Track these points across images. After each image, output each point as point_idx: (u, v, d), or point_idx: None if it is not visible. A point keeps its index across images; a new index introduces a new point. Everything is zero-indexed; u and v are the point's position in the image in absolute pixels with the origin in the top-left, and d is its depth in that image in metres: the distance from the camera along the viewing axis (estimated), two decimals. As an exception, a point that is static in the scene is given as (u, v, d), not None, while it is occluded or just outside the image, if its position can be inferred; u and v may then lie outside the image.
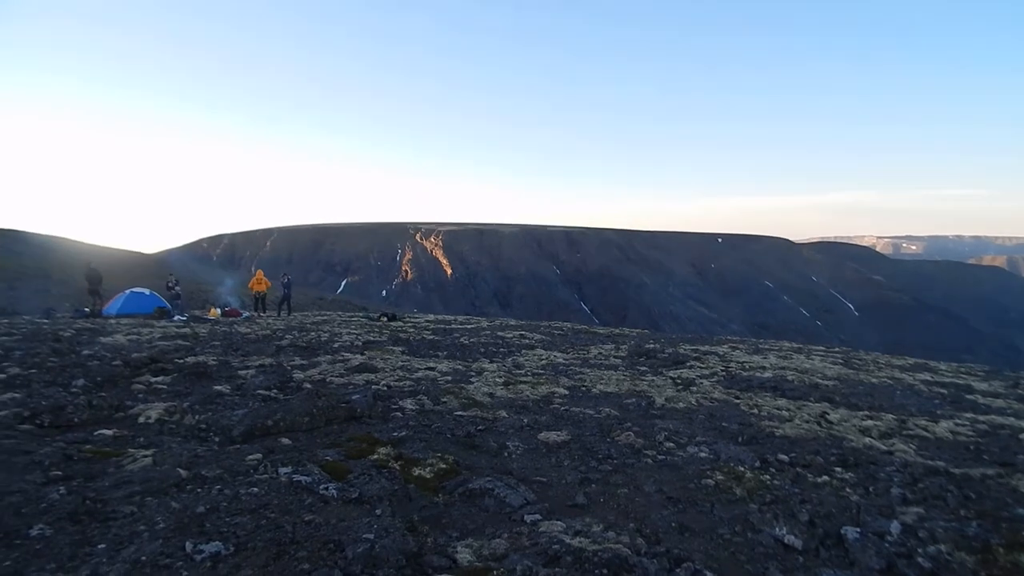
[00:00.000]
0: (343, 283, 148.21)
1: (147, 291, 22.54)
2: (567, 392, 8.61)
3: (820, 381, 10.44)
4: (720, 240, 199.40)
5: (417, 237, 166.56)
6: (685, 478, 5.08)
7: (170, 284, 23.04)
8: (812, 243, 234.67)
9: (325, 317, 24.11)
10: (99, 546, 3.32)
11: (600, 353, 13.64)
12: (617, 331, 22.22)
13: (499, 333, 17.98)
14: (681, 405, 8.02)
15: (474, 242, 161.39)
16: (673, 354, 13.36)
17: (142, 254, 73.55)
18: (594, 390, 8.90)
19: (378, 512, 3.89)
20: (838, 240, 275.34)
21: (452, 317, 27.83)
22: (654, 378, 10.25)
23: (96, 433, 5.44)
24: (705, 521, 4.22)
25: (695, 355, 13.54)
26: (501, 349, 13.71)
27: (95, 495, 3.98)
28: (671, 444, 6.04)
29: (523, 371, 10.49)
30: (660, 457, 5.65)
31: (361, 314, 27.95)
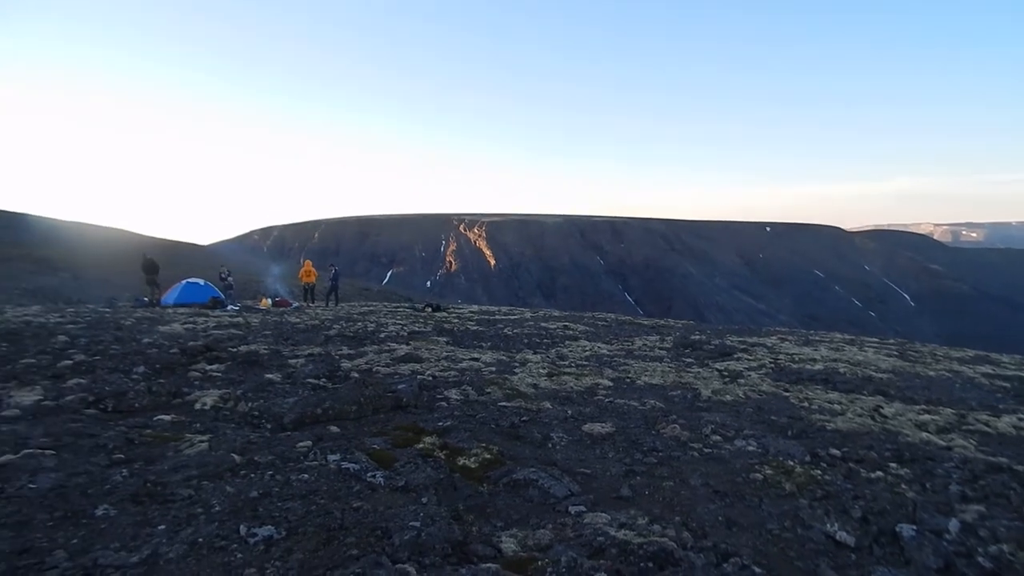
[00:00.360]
0: (388, 274, 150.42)
1: (202, 281, 23.29)
2: (611, 384, 8.56)
3: (874, 374, 10.13)
4: (768, 229, 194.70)
5: (461, 228, 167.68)
6: (732, 472, 5.00)
7: (223, 275, 23.75)
8: (865, 231, 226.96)
9: (371, 307, 24.50)
10: (159, 527, 3.46)
11: (645, 344, 13.52)
12: (662, 322, 21.98)
13: (543, 324, 17.99)
14: (728, 398, 7.89)
15: (517, 233, 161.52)
16: (720, 346, 13.15)
17: (196, 246, 76.04)
18: (639, 382, 8.83)
19: (424, 500, 3.94)
20: (893, 228, 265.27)
21: (496, 308, 27.94)
22: (700, 370, 10.11)
23: (155, 418, 5.67)
24: (753, 516, 4.15)
25: (742, 347, 13.29)
26: (545, 340, 13.71)
27: (155, 478, 4.14)
28: (718, 437, 5.96)
29: (567, 362, 10.47)
30: (706, 450, 5.58)
31: (406, 305, 28.31)
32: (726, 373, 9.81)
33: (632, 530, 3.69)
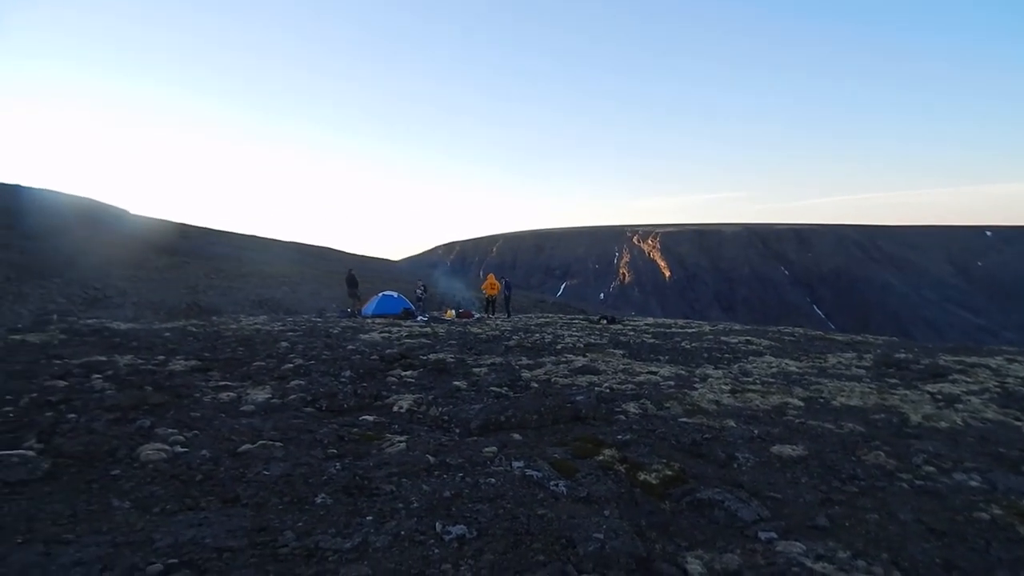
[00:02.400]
0: (562, 286, 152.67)
1: (395, 294, 25.33)
2: (802, 403, 7.97)
3: None
4: (989, 234, 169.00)
5: (634, 240, 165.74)
6: (951, 509, 4.43)
7: (419, 290, 25.72)
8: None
9: (547, 319, 25.04)
10: (367, 517, 3.84)
11: (840, 362, 12.40)
12: (858, 338, 19.97)
13: (723, 338, 17.21)
14: (943, 424, 7.00)
15: (693, 243, 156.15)
16: (930, 365, 11.68)
17: (389, 261, 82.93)
18: (834, 402, 8.13)
19: (606, 513, 3.97)
20: None
21: (671, 320, 27.21)
22: (907, 392, 9.07)
23: (361, 418, 6.29)
24: (978, 561, 3.65)
25: (959, 367, 11.69)
26: (726, 355, 13.11)
27: (362, 472, 4.61)
28: (931, 468, 5.32)
29: (751, 379, 9.93)
30: (918, 482, 5.01)
31: (581, 317, 28.56)
32: (939, 396, 8.70)
33: (832, 563, 3.43)
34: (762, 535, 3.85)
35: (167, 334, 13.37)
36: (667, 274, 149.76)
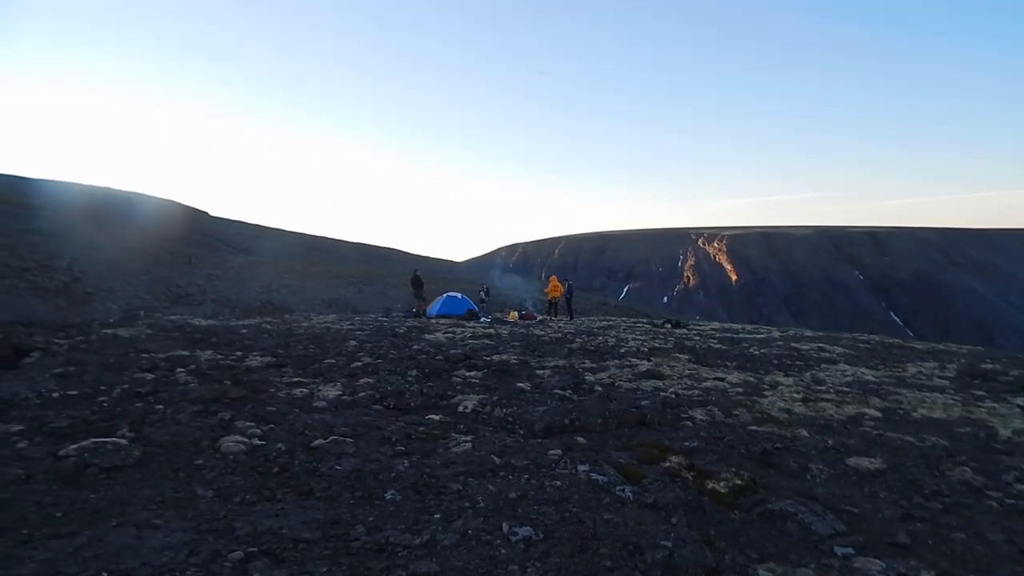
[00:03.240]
0: (625, 289, 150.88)
1: (459, 295, 25.64)
2: (879, 414, 7.64)
3: None
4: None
5: (699, 242, 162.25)
6: (1047, 531, 4.16)
7: (481, 292, 25.99)
8: None
9: (610, 322, 24.82)
10: (435, 515, 3.91)
11: (920, 372, 11.80)
12: (940, 347, 18.92)
13: (793, 344, 16.63)
14: (1038, 441, 6.57)
15: (761, 246, 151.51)
16: (1020, 377, 10.97)
17: (452, 262, 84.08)
18: (914, 414, 7.76)
19: (674, 521, 3.92)
20: None
21: (739, 326, 26.44)
22: (995, 405, 8.55)
23: (427, 417, 6.41)
24: (1079, 589, 3.42)
25: (1055, 380, 10.93)
26: (797, 362, 12.67)
27: (430, 471, 4.70)
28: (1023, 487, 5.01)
29: (824, 387, 9.58)
30: (1008, 501, 4.73)
31: (644, 320, 28.17)
32: (1034, 411, 8.17)
33: (914, 583, 3.28)
34: (838, 551, 3.72)
35: (243, 331, 13.98)
36: (733, 278, 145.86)
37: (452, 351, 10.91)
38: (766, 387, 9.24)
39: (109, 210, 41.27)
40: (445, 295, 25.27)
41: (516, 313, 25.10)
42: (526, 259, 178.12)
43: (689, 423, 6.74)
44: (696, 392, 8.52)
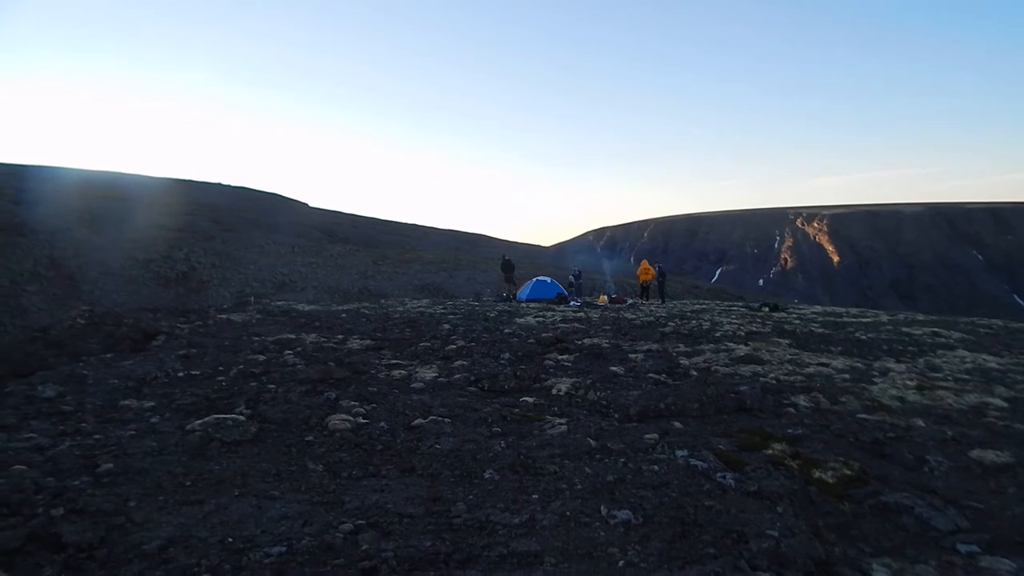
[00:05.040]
0: (717, 272, 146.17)
1: (548, 279, 25.68)
2: (1006, 404, 7.03)
3: None
4: None
5: (798, 222, 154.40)
6: None
7: (572, 275, 25.95)
8: None
9: (703, 306, 24.14)
10: (533, 496, 3.96)
11: (1054, 359, 10.77)
12: (1077, 331, 17.18)
13: (903, 328, 15.58)
14: None
15: (866, 225, 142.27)
16: None
17: (539, 247, 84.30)
18: (1049, 405, 7.09)
19: (779, 510, 3.78)
20: None
21: (842, 309, 25.02)
22: None
23: (521, 399, 6.48)
24: None
25: None
26: (909, 347, 11.86)
27: (526, 452, 4.75)
28: None
29: (941, 375, 8.92)
30: None
31: (739, 304, 27.21)
32: None
33: (1053, 586, 3.02)
34: (961, 548, 3.47)
35: (343, 315, 14.63)
36: (835, 259, 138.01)
37: (543, 334, 10.95)
38: (875, 374, 8.71)
39: (221, 205, 44.09)
40: (535, 279, 25.37)
41: (606, 297, 24.86)
42: (614, 243, 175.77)
43: (792, 410, 6.46)
44: (798, 378, 8.15)
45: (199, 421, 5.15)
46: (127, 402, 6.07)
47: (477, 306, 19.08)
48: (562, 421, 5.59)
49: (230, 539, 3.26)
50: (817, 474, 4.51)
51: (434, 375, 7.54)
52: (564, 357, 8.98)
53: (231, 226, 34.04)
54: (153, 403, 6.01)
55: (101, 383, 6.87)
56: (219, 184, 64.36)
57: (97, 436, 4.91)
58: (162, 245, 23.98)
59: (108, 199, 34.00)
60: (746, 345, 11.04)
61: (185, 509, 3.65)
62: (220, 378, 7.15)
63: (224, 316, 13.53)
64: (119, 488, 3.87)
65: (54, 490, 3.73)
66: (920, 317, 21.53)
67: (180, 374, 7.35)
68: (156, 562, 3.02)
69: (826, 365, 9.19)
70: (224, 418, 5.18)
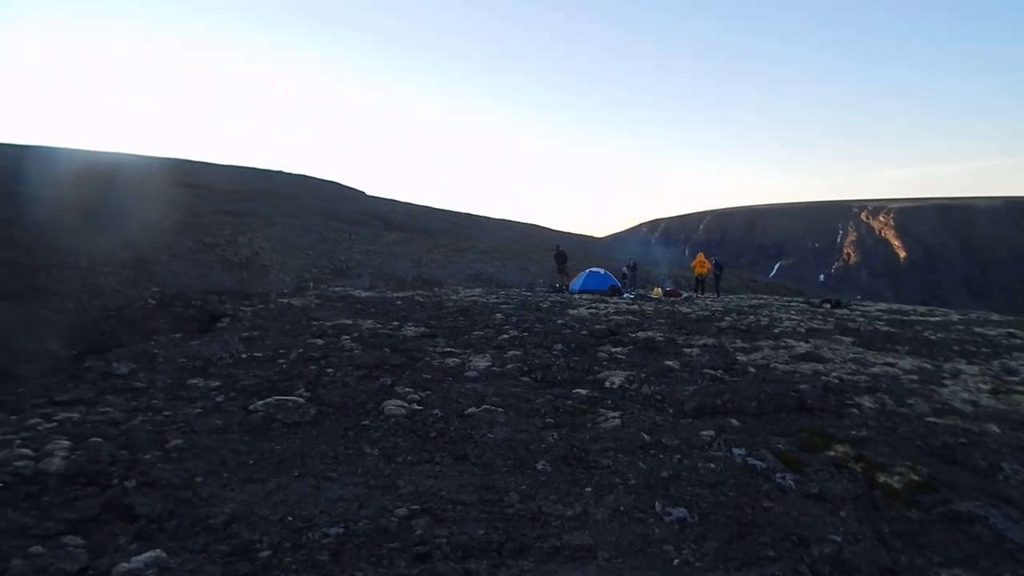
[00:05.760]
0: (775, 266, 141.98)
1: (602, 271, 25.43)
2: (1092, 412, 6.62)
3: None
4: None
5: (862, 216, 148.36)
6: None
7: (626, 267, 25.66)
8: None
9: (761, 301, 23.51)
10: (586, 489, 3.94)
11: None
12: None
13: (976, 329, 14.82)
14: None
15: (936, 219, 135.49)
16: None
17: (593, 237, 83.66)
18: None
19: (842, 514, 3.66)
20: None
21: (909, 307, 23.95)
22: None
23: (574, 391, 6.45)
24: None
25: None
26: (983, 348, 11.28)
27: (579, 444, 4.73)
28: None
29: (1018, 378, 8.45)
30: None
31: (799, 299, 26.39)
32: None
33: None
34: (1041, 562, 3.29)
35: (399, 302, 14.86)
36: (902, 255, 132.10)
37: (596, 326, 10.87)
38: (946, 375, 8.32)
39: (282, 192, 45.39)
40: (588, 270, 25.17)
41: (660, 289, 24.50)
42: (668, 234, 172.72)
43: (855, 411, 6.23)
44: (862, 378, 7.85)
45: (261, 402, 5.32)
46: (194, 381, 6.33)
47: (529, 296, 19.09)
48: (615, 414, 5.54)
49: (290, 518, 3.37)
50: (882, 478, 4.34)
51: (487, 364, 7.57)
52: (617, 350, 8.89)
53: (292, 213, 34.96)
54: (218, 383, 6.24)
55: (170, 361, 7.19)
56: (280, 172, 66.15)
57: (167, 413, 5.14)
58: (228, 230, 24.83)
59: (178, 185, 35.42)
60: (806, 342, 10.71)
61: (248, 487, 3.78)
62: (281, 361, 7.37)
63: (284, 300, 13.94)
64: (187, 463, 4.04)
65: (127, 463, 3.92)
66: (995, 317, 20.43)
67: (243, 355, 7.62)
68: (221, 536, 3.14)
69: (892, 365, 8.84)
70: (285, 400, 5.34)
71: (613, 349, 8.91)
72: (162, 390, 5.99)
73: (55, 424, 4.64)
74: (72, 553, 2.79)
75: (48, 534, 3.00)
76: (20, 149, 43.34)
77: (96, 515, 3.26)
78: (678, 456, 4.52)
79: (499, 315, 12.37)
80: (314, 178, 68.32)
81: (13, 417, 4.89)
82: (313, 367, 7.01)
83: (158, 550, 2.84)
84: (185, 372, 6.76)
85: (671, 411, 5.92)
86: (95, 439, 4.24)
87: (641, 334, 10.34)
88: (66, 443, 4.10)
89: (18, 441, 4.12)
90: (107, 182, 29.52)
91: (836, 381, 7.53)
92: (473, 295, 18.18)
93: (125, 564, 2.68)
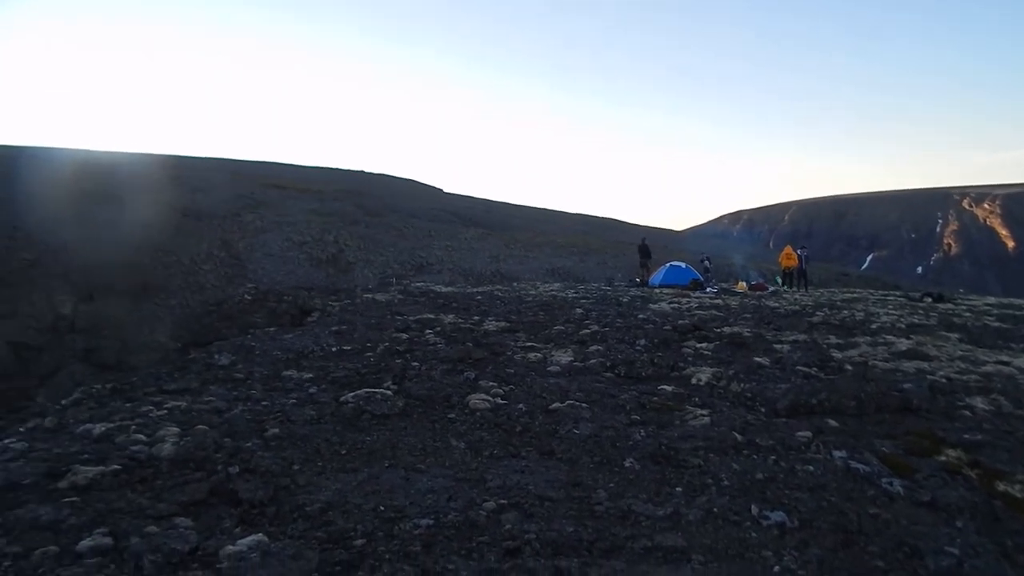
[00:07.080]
0: (868, 258, 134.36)
1: (683, 264, 24.86)
2: None
3: None
4: None
5: (964, 204, 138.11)
6: None
7: (705, 261, 25.03)
8: None
9: (854, 294, 22.32)
10: (677, 488, 3.83)
11: None
12: None
13: (1105, 325, 13.52)
14: None
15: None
16: None
17: (672, 231, 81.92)
18: None
19: (959, 525, 3.39)
20: None
21: (1021, 301, 22.16)
22: None
23: (659, 387, 6.30)
24: None
25: None
26: (1114, 348, 10.27)
27: (667, 442, 4.61)
28: None
29: None
30: None
31: (897, 293, 24.87)
32: None
33: None
34: None
35: (479, 297, 15.01)
36: (1010, 244, 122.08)
37: (680, 321, 10.60)
38: (1071, 376, 7.62)
39: (364, 191, 46.73)
40: (668, 264, 24.65)
41: (745, 283, 23.70)
42: (751, 226, 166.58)
43: (967, 412, 5.78)
44: (973, 377, 7.29)
45: (352, 394, 5.48)
46: (289, 372, 6.61)
47: (609, 291, 18.86)
48: (704, 412, 5.37)
49: (382, 507, 3.44)
50: (1002, 487, 4.01)
51: (569, 359, 7.52)
52: (703, 345, 8.63)
53: (373, 211, 35.98)
54: (311, 375, 6.49)
55: (267, 354, 7.54)
56: (362, 171, 68.16)
57: (264, 403, 5.38)
58: (315, 228, 25.85)
59: (266, 187, 37.10)
60: (908, 339, 10.06)
61: (341, 476, 3.90)
62: (368, 354, 7.58)
63: (369, 296, 14.37)
64: (284, 452, 4.21)
65: (230, 450, 4.12)
66: (1125, 313, 18.58)
67: (333, 349, 7.89)
68: (317, 523, 3.25)
69: (1007, 364, 8.17)
70: (374, 392, 5.48)
71: (698, 345, 8.66)
72: (260, 381, 6.28)
73: (165, 412, 4.95)
74: (183, 534, 2.95)
75: (161, 515, 3.19)
76: (112, 156, 46.52)
77: (203, 499, 3.44)
78: (773, 457, 4.32)
79: (579, 310, 12.27)
80: (393, 176, 70.04)
81: (128, 404, 5.27)
82: (399, 360, 7.17)
83: (260, 534, 2.96)
84: (280, 364, 7.07)
85: (763, 410, 5.68)
86: (201, 426, 4.49)
87: (727, 329, 10.00)
88: (175, 430, 4.37)
89: (134, 427, 4.42)
90: (201, 186, 31.29)
91: (944, 380, 7.03)
92: (552, 290, 18.14)
93: (231, 547, 2.81)
